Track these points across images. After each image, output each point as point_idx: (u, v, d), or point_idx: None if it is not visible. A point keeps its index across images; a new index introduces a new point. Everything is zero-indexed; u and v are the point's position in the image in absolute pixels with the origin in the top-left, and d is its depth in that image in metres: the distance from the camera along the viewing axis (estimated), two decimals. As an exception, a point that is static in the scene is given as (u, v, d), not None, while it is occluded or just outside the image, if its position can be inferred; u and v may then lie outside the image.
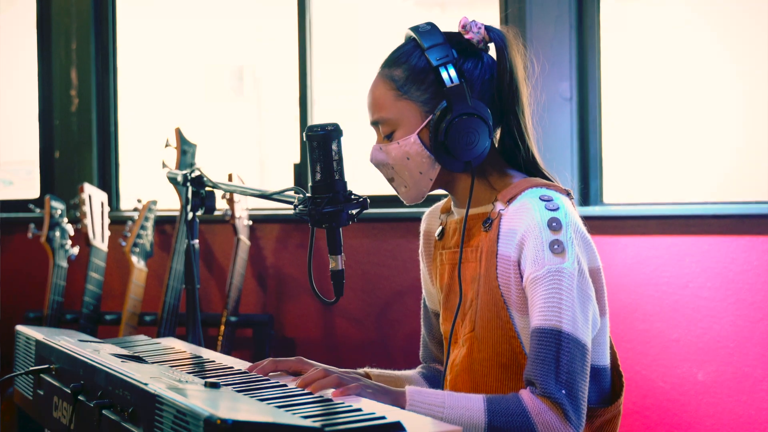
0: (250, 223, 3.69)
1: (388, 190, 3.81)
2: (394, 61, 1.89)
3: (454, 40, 1.87)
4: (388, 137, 1.87)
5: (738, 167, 3.43)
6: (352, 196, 1.79)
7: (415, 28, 1.88)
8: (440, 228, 2.00)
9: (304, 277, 3.77)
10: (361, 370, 2.00)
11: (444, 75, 1.81)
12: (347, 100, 4.40)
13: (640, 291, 3.15)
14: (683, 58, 3.46)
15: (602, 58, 3.35)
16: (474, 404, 1.69)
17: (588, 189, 3.32)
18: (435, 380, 2.09)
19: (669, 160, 3.50)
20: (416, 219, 3.81)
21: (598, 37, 3.34)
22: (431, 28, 1.87)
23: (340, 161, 1.77)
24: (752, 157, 3.39)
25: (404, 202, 1.94)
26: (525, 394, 1.70)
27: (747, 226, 3.04)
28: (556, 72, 3.29)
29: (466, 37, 1.88)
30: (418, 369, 2.13)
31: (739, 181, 3.43)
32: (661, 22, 3.50)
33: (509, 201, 1.83)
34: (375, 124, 1.90)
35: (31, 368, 1.94)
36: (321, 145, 1.76)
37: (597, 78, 3.33)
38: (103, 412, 1.59)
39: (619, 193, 3.42)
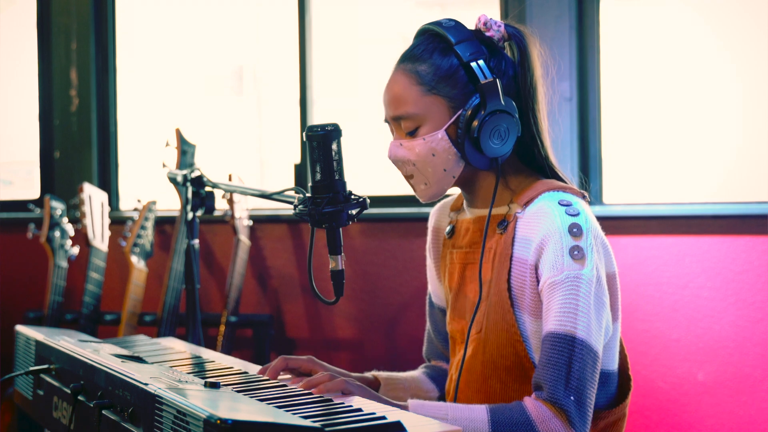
0: (250, 223, 3.69)
1: (388, 190, 3.81)
2: (416, 56, 1.83)
3: (478, 37, 1.84)
4: (411, 133, 1.83)
5: (738, 167, 3.42)
6: (352, 196, 1.78)
7: (437, 23, 1.85)
8: (450, 226, 1.98)
9: (304, 277, 3.77)
10: (368, 374, 1.99)
11: (477, 70, 1.79)
12: (347, 100, 4.40)
13: (640, 291, 3.14)
14: (683, 58, 3.46)
15: (602, 58, 3.34)
16: (477, 415, 1.68)
17: (588, 189, 3.31)
18: (440, 380, 2.08)
19: (669, 160, 3.50)
20: (416, 219, 3.81)
21: (598, 37, 3.34)
22: (456, 23, 1.84)
23: (340, 161, 1.76)
24: (752, 157, 3.39)
25: (420, 200, 1.90)
26: (528, 402, 1.69)
27: (747, 226, 3.03)
28: (556, 72, 3.29)
29: (487, 34, 1.85)
30: (422, 369, 2.12)
31: (739, 181, 3.42)
32: (660, 22, 3.50)
33: (526, 204, 1.81)
34: (397, 119, 1.84)
35: (31, 368, 1.94)
36: (321, 145, 1.75)
37: (597, 78, 3.33)
38: (103, 412, 1.59)
39: (619, 193, 3.42)
